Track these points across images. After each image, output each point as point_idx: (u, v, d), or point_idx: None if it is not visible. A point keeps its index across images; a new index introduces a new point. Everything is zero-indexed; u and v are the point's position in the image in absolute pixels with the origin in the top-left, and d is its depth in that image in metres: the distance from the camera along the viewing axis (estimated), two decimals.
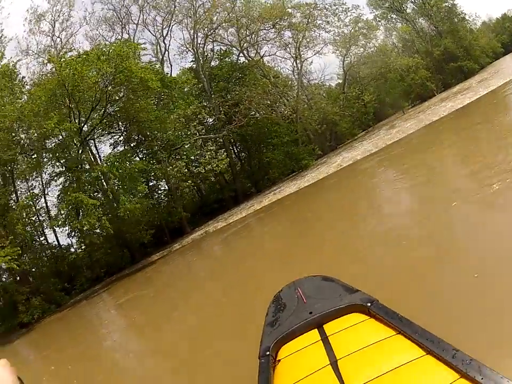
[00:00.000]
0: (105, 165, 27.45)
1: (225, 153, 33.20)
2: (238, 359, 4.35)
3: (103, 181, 27.46)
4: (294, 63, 42.27)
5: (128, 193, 26.45)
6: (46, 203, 32.37)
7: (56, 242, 32.83)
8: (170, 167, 29.67)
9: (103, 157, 32.38)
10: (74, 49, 32.53)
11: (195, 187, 36.96)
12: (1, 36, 26.98)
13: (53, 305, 25.15)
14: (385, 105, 48.38)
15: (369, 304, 2.52)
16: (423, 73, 47.22)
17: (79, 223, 24.99)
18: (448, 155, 12.12)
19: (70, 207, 26.15)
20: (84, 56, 27.83)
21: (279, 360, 2.54)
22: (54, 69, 26.77)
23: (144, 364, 7.54)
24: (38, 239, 32.17)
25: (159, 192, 35.17)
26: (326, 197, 17.50)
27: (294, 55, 42.08)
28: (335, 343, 2.38)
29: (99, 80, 26.33)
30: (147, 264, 24.82)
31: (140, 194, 28.83)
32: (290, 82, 42.47)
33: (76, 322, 17.71)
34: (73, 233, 30.08)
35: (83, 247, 31.53)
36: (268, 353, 2.57)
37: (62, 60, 26.32)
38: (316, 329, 2.62)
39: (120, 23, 37.53)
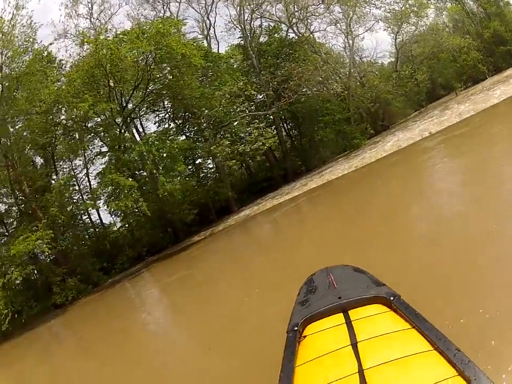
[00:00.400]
0: (144, 144, 26.76)
1: (274, 131, 32.95)
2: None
3: (146, 160, 26.85)
4: (345, 40, 41.07)
5: (167, 174, 26.17)
6: (90, 182, 32.78)
7: (99, 221, 32.26)
8: (214, 146, 29.04)
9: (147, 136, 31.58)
10: (112, 29, 32.23)
11: (243, 165, 36.77)
12: (31, 22, 26.52)
13: (89, 285, 25.19)
14: (437, 85, 47.84)
15: (392, 298, 2.76)
16: (475, 55, 45.63)
17: (116, 205, 24.82)
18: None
19: (108, 188, 26.41)
20: (121, 35, 28.13)
21: (305, 336, 2.79)
22: (90, 50, 26.59)
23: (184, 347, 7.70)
24: (81, 218, 31.61)
25: (205, 170, 33.94)
26: (381, 181, 16.27)
27: (344, 32, 40.75)
28: (358, 327, 2.63)
29: (139, 58, 26.33)
30: (190, 244, 24.65)
31: (182, 175, 28.35)
32: (342, 59, 41.51)
33: (112, 304, 17.61)
34: (114, 212, 29.42)
35: (126, 226, 30.71)
36: (296, 329, 2.84)
37: (97, 41, 26.02)
38: (342, 314, 2.87)
39: (162, 1, 37.05)
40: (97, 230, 33.24)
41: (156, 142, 26.96)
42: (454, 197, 8.85)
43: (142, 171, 29.40)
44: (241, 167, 37.58)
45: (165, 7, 37.28)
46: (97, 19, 34.61)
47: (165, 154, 26.67)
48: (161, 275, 19.08)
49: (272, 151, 35.98)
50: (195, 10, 37.77)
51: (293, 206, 20.64)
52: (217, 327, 7.45)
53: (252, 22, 37.51)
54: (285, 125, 38.95)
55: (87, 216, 33.18)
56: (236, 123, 31.00)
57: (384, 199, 12.16)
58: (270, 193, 29.42)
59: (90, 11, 34.60)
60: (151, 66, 26.81)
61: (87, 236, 32.27)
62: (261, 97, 35.89)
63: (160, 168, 26.93)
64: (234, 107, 31.24)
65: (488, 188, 7.82)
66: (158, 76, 28.62)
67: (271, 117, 34.95)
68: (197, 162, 33.74)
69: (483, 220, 6.27)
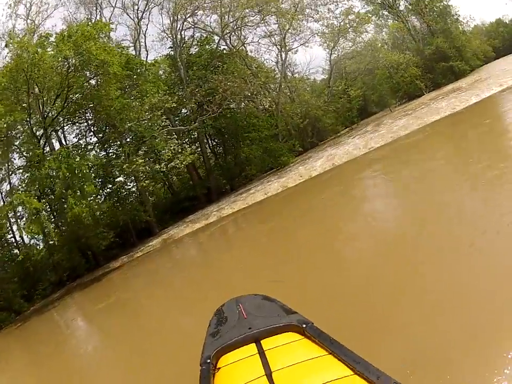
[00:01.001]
0: (54, 160, 24.98)
1: (194, 148, 33.38)
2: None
3: (55, 178, 25.20)
4: (279, 53, 41.61)
5: (76, 195, 24.61)
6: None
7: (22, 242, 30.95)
8: (127, 164, 27.44)
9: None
10: (44, 32, 30.25)
11: (166, 183, 35.80)
12: None
13: (12, 313, 23.97)
14: (370, 102, 49.28)
15: (304, 326, 2.76)
16: (413, 71, 47.04)
17: (26, 229, 23.85)
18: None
19: (20, 207, 25.43)
20: (44, 37, 27.05)
21: (219, 369, 2.77)
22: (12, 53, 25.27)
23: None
24: (4, 239, 30.19)
25: (126, 189, 32.94)
26: (307, 203, 16.01)
27: (278, 44, 41.32)
28: (271, 357, 2.62)
29: (59, 63, 25.06)
30: (110, 270, 23.90)
31: (99, 195, 27.67)
32: (273, 73, 42.01)
33: (37, 333, 16.97)
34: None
35: (46, 248, 29.59)
36: (209, 361, 2.80)
37: (20, 43, 24.77)
38: (254, 344, 2.85)
39: (96, 4, 36.71)
40: (20, 251, 30.91)
41: (66, 158, 25.29)
42: (380, 221, 9.21)
43: (46, 192, 27.76)
44: (164, 186, 36.68)
45: (97, 11, 36.84)
46: (32, 21, 33.38)
47: (76, 172, 25.00)
48: (84, 303, 18.77)
49: (196, 168, 35.68)
50: (129, 16, 37.44)
51: (213, 230, 20.43)
52: (138, 353, 7.71)
53: (184, 32, 37.56)
54: (210, 141, 38.70)
55: (11, 235, 31.24)
56: (158, 139, 29.68)
57: (309, 222, 12.24)
58: (191, 214, 28.82)
59: (28, 12, 33.61)
60: (71, 73, 25.59)
61: (6, 258, 30.19)
62: (185, 111, 35.59)
63: (70, 187, 25.12)
64: (159, 121, 30.21)
65: (413, 209, 8.55)
66: (78, 83, 27.00)
67: (195, 132, 34.65)
68: (117, 180, 32.20)
69: (406, 246, 6.73)
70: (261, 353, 2.73)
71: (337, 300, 5.76)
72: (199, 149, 35.10)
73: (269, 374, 2.45)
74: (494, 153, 9.68)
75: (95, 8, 36.70)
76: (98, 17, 35.86)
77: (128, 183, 32.81)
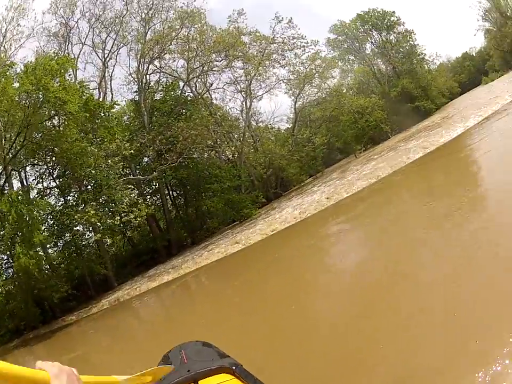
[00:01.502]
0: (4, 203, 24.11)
1: (151, 199, 34.21)
2: None
3: (5, 223, 24.47)
4: (243, 101, 43.08)
5: (26, 243, 23.56)
6: None
7: None
8: (78, 215, 26.83)
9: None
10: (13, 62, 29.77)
11: (125, 234, 35.40)
12: None
13: None
14: (334, 149, 51.54)
15: (234, 367, 3.08)
16: (378, 115, 48.73)
17: None
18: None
19: None
20: (8, 67, 26.93)
21: None
22: None
23: None
24: None
25: (82, 239, 32.22)
26: (270, 255, 16.46)
27: (244, 91, 42.22)
28: None
29: (22, 98, 24.92)
30: (67, 324, 23.35)
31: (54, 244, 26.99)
32: (237, 122, 42.89)
33: None
34: None
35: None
36: None
37: None
38: None
39: (66, 39, 36.49)
40: None
41: (16, 202, 24.23)
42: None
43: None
44: (124, 237, 36.28)
45: (67, 46, 36.60)
46: (4, 48, 32.97)
47: (25, 218, 23.99)
48: (41, 357, 17.98)
49: (157, 220, 35.71)
50: (97, 55, 37.55)
51: (175, 287, 20.34)
52: None
53: (149, 76, 38.47)
54: (171, 192, 38.80)
55: None
56: (114, 188, 28.80)
57: (274, 274, 12.54)
58: (152, 268, 28.59)
59: (2, 39, 33.21)
60: (30, 109, 24.87)
61: None
62: (147, 159, 36.04)
63: (19, 236, 24.43)
64: (116, 169, 29.63)
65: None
66: (37, 121, 26.06)
67: (156, 183, 34.85)
68: (76, 229, 31.47)
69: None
70: None
71: (300, 351, 6.20)
72: (160, 200, 35.09)
73: None
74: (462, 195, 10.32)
75: (64, 43, 36.61)
76: (67, 52, 35.60)
77: (88, 233, 32.09)
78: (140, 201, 29.58)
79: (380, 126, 48.93)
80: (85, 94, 29.65)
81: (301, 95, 46.42)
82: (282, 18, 42.28)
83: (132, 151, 30.76)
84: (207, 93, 42.18)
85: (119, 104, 35.24)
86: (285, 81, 45.22)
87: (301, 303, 8.75)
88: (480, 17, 73.52)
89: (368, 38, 63.46)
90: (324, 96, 47.20)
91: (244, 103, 43.17)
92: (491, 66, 76.47)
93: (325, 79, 46.54)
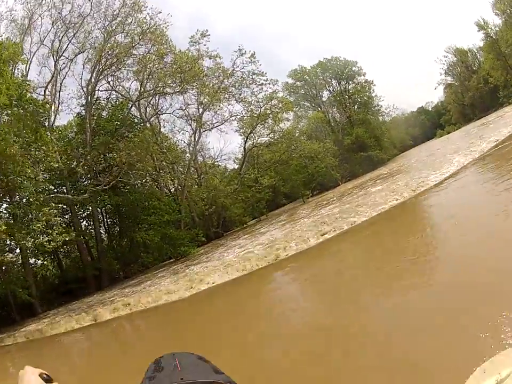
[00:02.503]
0: None
1: (64, 225, 30.47)
2: None
3: None
4: (193, 135, 42.73)
5: None
6: None
7: None
8: None
9: None
10: None
11: (54, 257, 34.33)
12: None
13: None
14: (281, 193, 52.36)
15: None
16: (330, 161, 50.13)
17: None
18: None
19: None
20: None
21: None
22: None
23: None
24: None
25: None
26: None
27: (194, 120, 43.77)
28: None
29: None
30: None
31: None
32: (183, 155, 43.10)
33: None
34: None
35: None
36: None
37: None
38: None
39: (27, 32, 35.09)
40: None
41: None
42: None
43: None
44: (53, 261, 35.26)
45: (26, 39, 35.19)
46: None
47: None
48: None
49: (89, 247, 34.98)
50: (53, 58, 36.25)
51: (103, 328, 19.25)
52: None
53: (99, 92, 38.14)
54: (105, 219, 38.20)
55: None
56: (35, 203, 26.40)
57: (208, 336, 11.78)
58: (78, 300, 27.28)
59: None
60: None
61: None
62: (84, 179, 34.79)
63: None
64: (40, 183, 27.53)
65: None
66: None
67: (90, 207, 34.02)
68: None
69: None
70: None
71: None
72: (93, 226, 34.13)
73: None
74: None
75: (24, 34, 35.28)
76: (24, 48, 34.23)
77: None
78: (58, 224, 27.19)
79: (330, 173, 50.38)
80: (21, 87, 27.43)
81: (252, 134, 47.31)
82: (245, 51, 43.36)
83: (61, 163, 29.70)
84: (156, 120, 42.29)
85: (50, 104, 33.48)
86: (237, 118, 46.26)
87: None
88: (443, 71, 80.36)
89: (327, 86, 66.83)
90: (275, 138, 47.84)
91: (192, 135, 43.40)
92: (447, 120, 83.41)
93: (278, 121, 47.17)
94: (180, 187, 38.71)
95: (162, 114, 43.03)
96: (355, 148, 57.06)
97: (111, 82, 39.11)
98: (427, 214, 17.44)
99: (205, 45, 40.33)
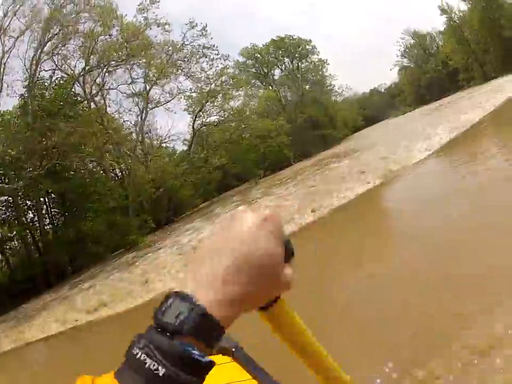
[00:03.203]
0: None
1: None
2: None
3: None
4: (139, 115, 42.13)
5: None
6: None
7: None
8: None
9: None
10: None
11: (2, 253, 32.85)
12: None
13: None
14: (231, 174, 50.82)
15: (233, 350, 2.44)
16: (283, 139, 49.28)
17: None
18: None
19: None
20: None
21: None
22: None
23: None
24: None
25: None
26: None
27: (141, 95, 41.94)
28: None
29: None
30: None
31: None
32: (130, 135, 42.54)
33: None
34: None
35: None
36: None
37: None
38: None
39: None
40: None
41: None
42: None
43: None
44: (1, 261, 33.56)
45: None
46: None
47: None
48: None
49: (36, 242, 32.92)
50: None
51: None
52: None
53: (42, 71, 35.65)
54: (50, 209, 35.72)
55: None
56: None
57: None
58: (25, 303, 24.67)
59: None
60: None
61: None
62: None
63: None
64: None
65: None
66: None
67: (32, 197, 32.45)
68: None
69: None
70: None
71: None
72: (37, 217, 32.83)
73: None
74: None
75: None
76: None
77: None
78: None
79: (283, 152, 49.80)
80: None
81: (201, 113, 46.08)
82: (196, 24, 41.90)
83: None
84: (102, 100, 40.82)
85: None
86: (186, 95, 45.11)
87: None
88: (400, 52, 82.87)
89: (279, 64, 67.27)
90: (225, 116, 46.82)
91: (139, 115, 42.23)
92: (401, 101, 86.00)
93: (228, 98, 46.18)
94: (126, 170, 37.42)
95: (107, 90, 40.94)
96: (308, 126, 57.11)
97: (56, 61, 36.63)
98: None
99: (153, 12, 38.37)
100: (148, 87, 41.74)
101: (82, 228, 30.88)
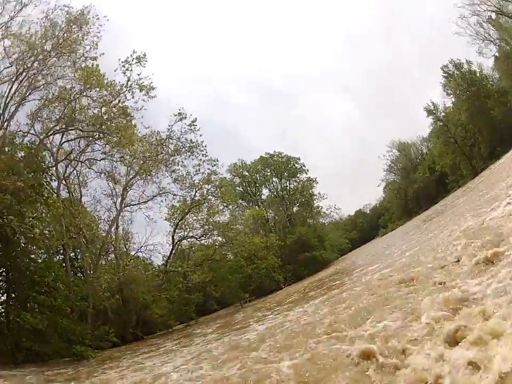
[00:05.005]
0: None
1: None
2: None
3: None
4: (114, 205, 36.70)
5: None
6: None
7: None
8: None
9: None
10: None
11: None
12: None
13: None
14: (213, 297, 44.00)
15: None
16: (272, 260, 44.64)
17: None
18: None
19: None
20: None
21: None
22: None
23: None
24: None
25: None
26: None
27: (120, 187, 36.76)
28: None
29: None
30: None
31: None
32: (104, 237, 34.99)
33: None
34: None
35: None
36: None
37: None
38: None
39: None
40: None
41: None
42: None
43: None
44: None
45: None
46: None
47: None
48: None
49: None
50: None
51: None
52: None
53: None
54: None
55: None
56: None
57: None
58: None
59: None
60: None
61: None
62: None
63: None
64: None
65: None
66: None
67: None
68: None
69: None
70: None
71: None
72: None
73: None
74: None
75: None
76: None
77: None
78: None
79: (271, 275, 45.12)
80: None
81: (184, 225, 40.29)
82: (185, 115, 37.06)
83: None
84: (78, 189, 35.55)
85: None
86: (168, 204, 39.47)
87: None
88: (386, 166, 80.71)
89: (267, 183, 65.78)
90: (210, 230, 40.82)
91: (116, 214, 36.28)
92: (387, 220, 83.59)
93: (214, 213, 40.35)
94: (91, 271, 30.10)
95: (77, 157, 34.01)
96: (298, 248, 53.18)
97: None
98: None
99: (138, 74, 32.35)
100: (125, 182, 36.27)
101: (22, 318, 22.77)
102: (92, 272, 30.23)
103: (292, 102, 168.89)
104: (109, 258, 35.65)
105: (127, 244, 39.77)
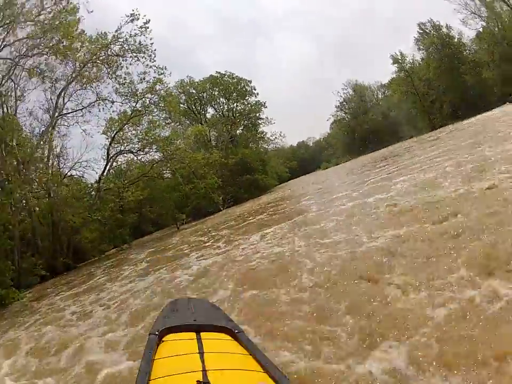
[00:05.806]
0: None
1: None
2: None
3: None
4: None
5: None
6: None
7: None
8: None
9: None
10: None
11: None
12: None
13: None
14: (148, 219, 43.63)
15: (236, 331, 3.81)
16: (212, 180, 42.88)
17: None
18: None
19: None
20: None
21: (163, 341, 3.65)
22: None
23: None
24: None
25: None
26: None
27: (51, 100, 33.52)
28: (205, 345, 3.55)
29: None
30: None
31: None
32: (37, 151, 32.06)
33: None
34: None
35: None
36: (157, 333, 3.69)
37: None
38: (195, 332, 3.81)
39: None
40: None
41: None
42: None
43: None
44: None
45: None
46: None
47: None
48: None
49: None
50: None
51: None
52: None
53: None
54: None
55: None
56: None
57: None
58: None
59: None
60: None
61: None
62: None
63: None
64: None
65: None
66: None
67: None
68: None
69: None
70: (198, 339, 3.63)
71: None
72: None
73: (201, 353, 3.32)
74: None
75: None
76: None
77: None
78: None
79: (211, 195, 43.49)
80: None
81: (121, 139, 37.42)
82: (138, 17, 33.58)
83: None
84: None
85: None
86: (107, 106, 36.21)
87: None
88: (338, 103, 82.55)
89: (213, 103, 64.88)
90: (148, 144, 38.15)
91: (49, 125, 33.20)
92: (329, 155, 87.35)
93: (155, 126, 38.25)
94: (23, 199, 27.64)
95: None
96: (239, 170, 52.98)
97: None
98: None
99: None
100: (66, 82, 33.14)
101: None
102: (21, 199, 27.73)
103: (255, 37, 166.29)
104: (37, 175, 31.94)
105: (60, 161, 36.52)
